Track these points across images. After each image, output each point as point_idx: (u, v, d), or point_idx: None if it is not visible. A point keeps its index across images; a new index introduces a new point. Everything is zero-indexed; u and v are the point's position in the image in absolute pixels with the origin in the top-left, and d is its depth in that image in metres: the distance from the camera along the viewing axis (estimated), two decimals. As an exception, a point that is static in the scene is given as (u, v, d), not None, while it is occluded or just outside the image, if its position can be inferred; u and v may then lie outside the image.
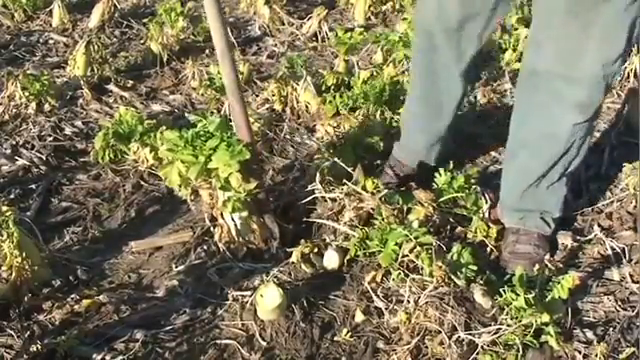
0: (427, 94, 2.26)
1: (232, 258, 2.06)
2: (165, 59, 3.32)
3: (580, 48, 1.76)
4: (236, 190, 1.94)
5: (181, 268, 2.03)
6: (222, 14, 1.84)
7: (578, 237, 2.21)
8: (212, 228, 2.12)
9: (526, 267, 1.88)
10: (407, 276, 1.87)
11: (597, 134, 2.77)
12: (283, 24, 3.82)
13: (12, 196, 2.33)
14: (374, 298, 1.89)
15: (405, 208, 2.14)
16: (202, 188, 2.04)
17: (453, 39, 2.06)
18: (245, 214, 2.02)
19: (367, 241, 2.01)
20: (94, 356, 1.71)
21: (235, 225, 2.04)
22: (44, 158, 2.56)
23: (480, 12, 2.00)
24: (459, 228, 2.18)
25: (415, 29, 2.29)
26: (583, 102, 1.85)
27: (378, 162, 2.52)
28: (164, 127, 2.50)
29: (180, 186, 2.00)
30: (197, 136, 1.97)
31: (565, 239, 2.19)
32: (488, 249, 2.12)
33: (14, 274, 1.84)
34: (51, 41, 3.58)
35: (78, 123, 2.83)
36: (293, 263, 2.02)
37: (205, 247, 2.11)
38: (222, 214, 2.04)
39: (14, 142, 2.64)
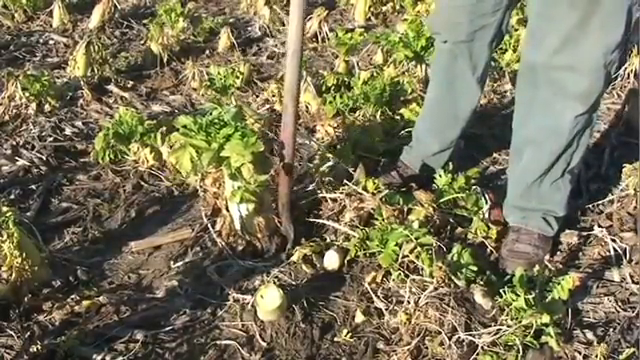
0: (444, 98, 2.30)
1: (232, 255, 2.06)
2: (165, 59, 3.32)
3: (582, 38, 1.80)
4: (247, 181, 1.93)
5: (180, 267, 2.03)
6: (304, 14, 1.86)
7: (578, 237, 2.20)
8: (210, 226, 2.12)
9: (523, 267, 1.88)
10: (407, 277, 1.87)
11: (597, 134, 2.77)
12: (283, 24, 3.81)
13: (12, 196, 2.33)
14: (374, 299, 1.89)
15: (405, 209, 2.14)
16: (209, 176, 2.04)
17: (465, 50, 2.13)
18: (252, 206, 2.01)
19: (367, 241, 2.02)
20: (94, 357, 1.71)
21: (240, 217, 2.04)
22: (44, 158, 2.56)
23: (488, 24, 2.06)
24: (459, 229, 2.18)
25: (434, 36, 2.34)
26: (584, 92, 1.88)
27: (379, 162, 2.52)
28: (164, 127, 2.51)
29: (189, 173, 1.98)
30: (211, 123, 1.95)
31: (571, 238, 2.19)
32: (488, 250, 2.12)
33: (14, 274, 1.83)
34: (51, 41, 3.58)
35: (78, 123, 2.83)
36: (294, 263, 2.02)
37: (204, 245, 2.11)
38: (227, 205, 2.04)
39: (14, 142, 2.64)
